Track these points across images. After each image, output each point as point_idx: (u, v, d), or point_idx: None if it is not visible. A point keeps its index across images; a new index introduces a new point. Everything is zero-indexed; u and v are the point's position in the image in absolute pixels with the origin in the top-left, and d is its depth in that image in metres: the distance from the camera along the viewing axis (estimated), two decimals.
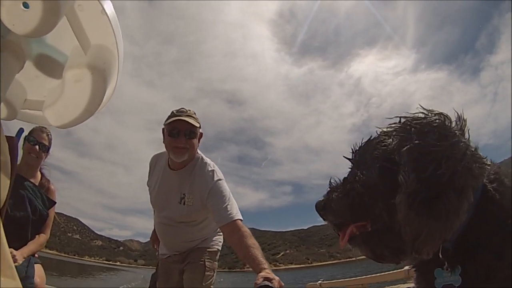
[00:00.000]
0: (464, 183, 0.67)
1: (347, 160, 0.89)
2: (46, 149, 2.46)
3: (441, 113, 0.76)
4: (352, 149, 0.88)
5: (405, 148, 0.72)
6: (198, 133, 2.06)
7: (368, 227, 0.80)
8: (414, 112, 0.79)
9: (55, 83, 1.00)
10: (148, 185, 2.34)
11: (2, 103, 0.89)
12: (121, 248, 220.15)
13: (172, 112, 2.03)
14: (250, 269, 1.66)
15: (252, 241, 1.78)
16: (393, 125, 0.80)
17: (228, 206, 1.94)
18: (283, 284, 1.52)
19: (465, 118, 0.76)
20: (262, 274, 1.53)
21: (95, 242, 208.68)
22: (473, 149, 0.73)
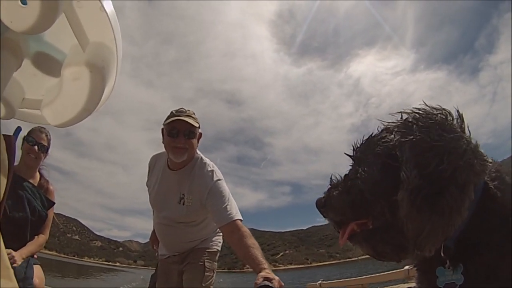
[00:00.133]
0: (466, 179, 0.67)
1: (347, 161, 0.88)
2: (45, 149, 2.45)
3: (443, 110, 0.76)
4: (353, 146, 0.88)
5: (406, 144, 0.71)
6: (197, 133, 2.06)
7: (369, 225, 0.79)
8: (415, 108, 0.78)
9: (53, 81, 0.99)
10: (147, 185, 2.33)
11: (0, 102, 0.88)
12: (120, 248, 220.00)
13: (171, 112, 2.03)
14: (250, 269, 1.65)
15: (252, 241, 1.78)
16: (394, 122, 0.80)
17: (228, 206, 1.93)
18: (283, 284, 1.51)
19: (461, 114, 0.76)
20: (262, 274, 1.53)
21: (95, 243, 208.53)
22: (474, 146, 0.73)
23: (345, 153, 0.88)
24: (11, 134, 1.00)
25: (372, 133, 0.84)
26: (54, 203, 2.49)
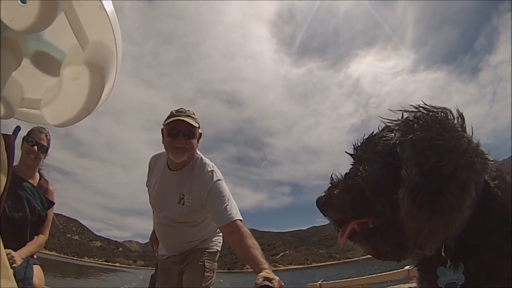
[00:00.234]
0: (467, 177, 0.67)
1: (347, 161, 0.88)
2: (44, 149, 2.44)
3: (444, 109, 0.76)
4: (353, 145, 0.87)
5: (407, 142, 0.71)
6: (197, 133, 2.06)
7: (369, 224, 0.79)
8: (416, 106, 0.78)
9: (53, 81, 0.99)
10: (147, 186, 2.33)
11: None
12: (120, 249, 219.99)
13: (171, 112, 2.03)
14: (250, 270, 1.65)
15: (252, 241, 1.78)
16: (395, 120, 0.80)
17: (228, 206, 1.93)
18: (283, 284, 1.51)
19: (461, 113, 0.75)
20: (262, 274, 1.53)
21: (94, 243, 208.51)
22: (475, 144, 0.73)
23: (345, 152, 0.88)
24: (11, 133, 1.00)
25: (373, 131, 0.84)
26: (53, 203, 2.49)
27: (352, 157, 0.87)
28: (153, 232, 2.48)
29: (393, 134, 0.76)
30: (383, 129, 0.81)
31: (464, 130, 0.74)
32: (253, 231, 1.89)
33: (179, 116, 1.96)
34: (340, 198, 0.80)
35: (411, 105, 0.78)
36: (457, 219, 0.67)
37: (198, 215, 2.12)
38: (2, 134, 0.88)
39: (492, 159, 0.77)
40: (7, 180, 0.86)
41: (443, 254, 0.74)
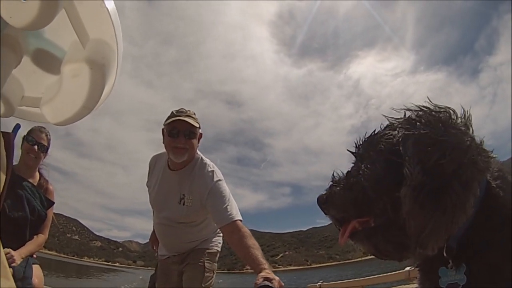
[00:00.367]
0: (470, 175, 0.66)
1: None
2: (45, 149, 2.44)
3: (447, 108, 0.75)
4: (355, 143, 0.87)
5: (410, 140, 0.71)
6: (198, 134, 2.06)
7: (371, 223, 0.78)
8: (419, 105, 0.77)
9: (53, 79, 0.98)
10: (147, 186, 2.33)
11: None
12: (120, 249, 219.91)
13: (172, 112, 2.03)
14: (249, 270, 1.65)
15: (252, 242, 1.78)
16: (398, 118, 0.79)
17: (228, 206, 1.93)
18: (283, 284, 1.51)
19: (469, 114, 0.75)
20: (262, 274, 1.53)
21: (94, 243, 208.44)
22: (478, 143, 0.72)
23: (347, 150, 0.87)
24: (10, 131, 0.99)
25: (375, 130, 0.83)
26: (53, 203, 2.49)
27: (354, 155, 0.86)
28: (153, 232, 2.47)
29: (395, 132, 0.75)
30: (385, 128, 0.81)
31: (467, 128, 0.74)
32: (253, 232, 1.88)
33: (179, 116, 1.96)
34: (341, 196, 0.79)
35: (414, 104, 0.78)
36: (460, 218, 0.66)
37: (198, 215, 2.12)
38: (2, 132, 0.87)
39: (495, 156, 0.76)
40: (6, 178, 0.85)
41: (445, 254, 0.74)
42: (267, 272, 1.55)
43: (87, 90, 0.87)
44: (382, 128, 0.82)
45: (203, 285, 2.10)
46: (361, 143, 0.85)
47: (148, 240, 2.64)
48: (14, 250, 2.06)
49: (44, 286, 2.32)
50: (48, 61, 0.96)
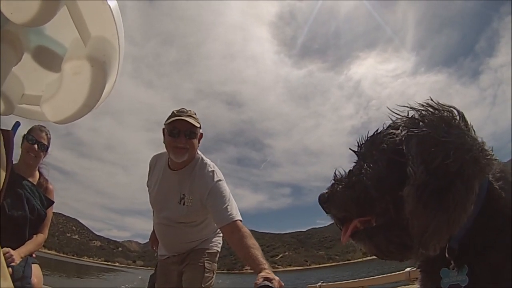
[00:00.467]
0: (470, 172, 0.66)
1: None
2: (45, 148, 2.44)
3: (449, 107, 0.75)
4: (357, 142, 0.86)
5: (413, 139, 0.70)
6: (199, 133, 2.06)
7: (372, 222, 0.78)
8: (423, 103, 0.77)
9: (54, 76, 0.97)
10: (147, 186, 2.33)
11: None
12: (120, 249, 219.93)
13: (173, 112, 2.03)
14: (249, 270, 1.64)
15: (252, 242, 1.78)
16: (401, 118, 0.79)
17: (228, 206, 1.93)
18: (283, 284, 1.51)
19: (461, 112, 0.75)
20: (262, 274, 1.52)
21: (94, 243, 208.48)
22: (480, 143, 0.72)
23: (350, 149, 0.87)
24: (9, 129, 0.99)
25: (378, 129, 0.82)
26: (53, 202, 2.48)
27: (356, 154, 0.86)
28: (153, 232, 2.47)
29: (398, 132, 0.75)
30: (388, 127, 0.80)
31: (469, 129, 0.73)
32: (252, 232, 1.88)
33: (180, 116, 1.96)
34: (343, 195, 0.79)
35: (417, 103, 0.77)
36: (460, 216, 0.66)
37: (198, 215, 2.12)
38: (1, 130, 0.87)
39: (496, 158, 0.76)
40: (6, 175, 0.85)
41: (446, 255, 0.73)
42: (267, 272, 1.55)
43: (88, 88, 0.86)
44: (385, 127, 0.81)
45: (203, 286, 2.10)
46: (363, 142, 0.85)
47: (147, 240, 2.64)
48: (14, 249, 2.05)
49: (44, 286, 2.31)
50: (49, 59, 0.95)
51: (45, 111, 0.98)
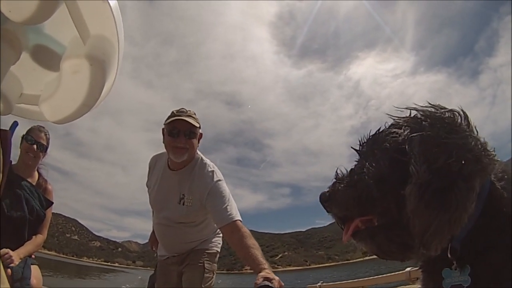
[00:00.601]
0: (471, 171, 0.66)
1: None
2: (44, 148, 2.44)
3: (452, 110, 0.75)
4: (359, 141, 0.86)
5: (416, 138, 0.70)
6: (198, 133, 2.06)
7: (374, 222, 0.77)
8: (424, 106, 0.77)
9: (53, 76, 0.97)
10: (147, 186, 2.33)
11: None
12: (119, 249, 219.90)
13: (172, 112, 2.03)
14: (249, 270, 1.64)
15: (252, 242, 1.78)
16: (404, 117, 0.78)
17: (228, 206, 1.93)
18: (283, 284, 1.51)
19: (465, 112, 0.75)
20: (262, 274, 1.52)
21: (94, 243, 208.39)
22: (482, 143, 0.72)
23: (351, 147, 0.87)
24: (7, 129, 0.98)
25: (380, 128, 0.82)
26: (52, 203, 2.48)
27: (358, 153, 0.85)
28: (153, 232, 2.47)
29: (401, 131, 0.75)
30: (390, 126, 0.80)
31: (471, 129, 0.73)
32: (252, 232, 1.88)
33: (180, 116, 1.96)
34: (344, 194, 0.79)
35: (419, 105, 0.77)
36: (461, 216, 0.65)
37: (198, 215, 2.11)
38: None
39: (498, 158, 0.76)
40: (3, 175, 0.84)
41: (449, 255, 0.73)
42: (267, 272, 1.55)
43: (87, 87, 0.85)
44: (387, 127, 0.81)
45: (202, 286, 2.10)
46: (365, 140, 0.85)
47: (147, 241, 2.64)
48: (13, 250, 2.05)
49: (43, 287, 2.31)
50: (48, 57, 0.94)
51: (43, 110, 0.97)
